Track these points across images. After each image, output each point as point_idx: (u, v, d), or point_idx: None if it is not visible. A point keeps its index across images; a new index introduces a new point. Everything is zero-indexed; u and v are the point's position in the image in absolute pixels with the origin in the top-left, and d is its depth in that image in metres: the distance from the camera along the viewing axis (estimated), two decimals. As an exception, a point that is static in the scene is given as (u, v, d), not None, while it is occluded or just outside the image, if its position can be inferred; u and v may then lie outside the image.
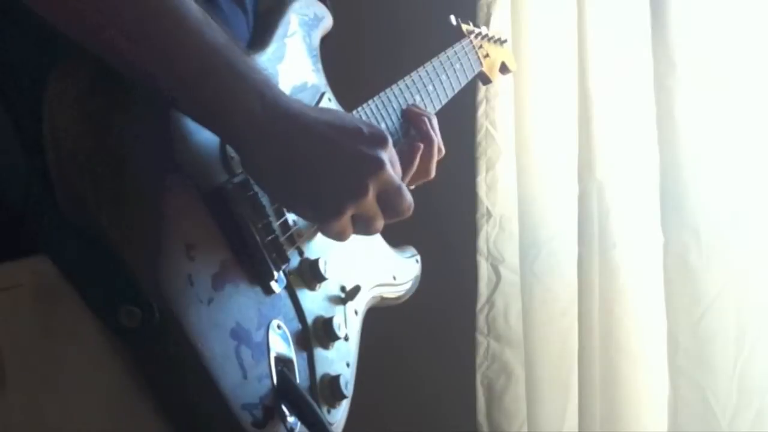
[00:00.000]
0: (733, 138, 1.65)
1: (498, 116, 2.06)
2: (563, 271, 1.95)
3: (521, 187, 2.02)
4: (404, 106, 1.23)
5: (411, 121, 1.24)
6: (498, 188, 2.05)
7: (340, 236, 0.91)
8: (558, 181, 1.98)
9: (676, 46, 1.69)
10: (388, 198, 0.91)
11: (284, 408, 0.86)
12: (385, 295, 1.12)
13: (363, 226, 0.91)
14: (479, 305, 2.04)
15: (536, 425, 1.96)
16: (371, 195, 0.89)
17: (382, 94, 1.22)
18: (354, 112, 1.14)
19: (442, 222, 2.11)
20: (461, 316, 2.06)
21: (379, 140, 0.90)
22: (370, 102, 1.18)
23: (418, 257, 1.22)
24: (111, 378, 0.81)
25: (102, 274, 0.79)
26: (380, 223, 0.92)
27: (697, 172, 1.67)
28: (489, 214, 2.05)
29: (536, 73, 2.00)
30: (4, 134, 0.83)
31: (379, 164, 0.89)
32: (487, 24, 2.01)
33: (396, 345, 2.10)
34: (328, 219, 0.89)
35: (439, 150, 1.26)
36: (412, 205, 0.93)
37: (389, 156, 0.91)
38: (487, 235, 2.05)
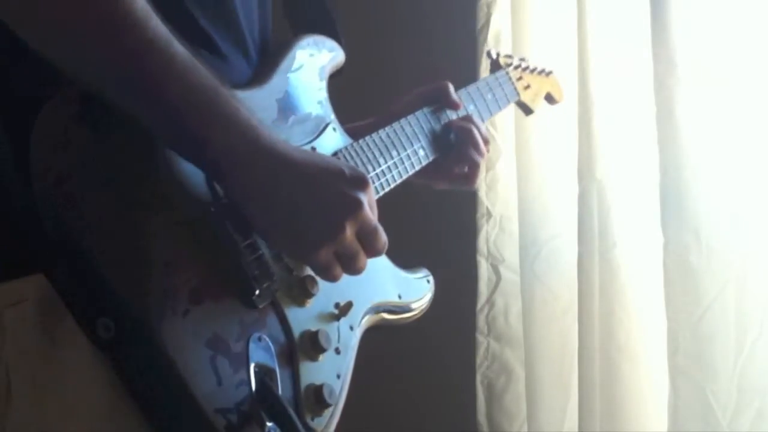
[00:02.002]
0: (734, 138, 1.66)
1: (498, 116, 2.04)
2: (563, 271, 1.95)
3: (521, 187, 2.02)
4: (421, 134, 1.26)
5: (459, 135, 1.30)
6: (498, 188, 2.05)
7: (325, 273, 0.95)
8: (558, 181, 1.98)
9: (676, 46, 1.69)
10: (365, 237, 0.95)
11: (263, 414, 0.89)
12: (388, 316, 1.13)
13: (345, 264, 0.95)
14: (479, 305, 2.04)
15: (536, 425, 1.97)
16: (349, 234, 0.93)
17: (403, 120, 1.24)
18: (365, 139, 1.16)
19: (442, 222, 2.11)
20: (461, 316, 2.06)
21: (359, 182, 0.94)
22: (387, 128, 1.20)
23: (431, 278, 1.23)
24: (106, 385, 0.84)
25: (82, 289, 0.83)
26: (363, 260, 0.96)
27: (697, 172, 1.67)
28: (489, 214, 2.05)
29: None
30: (8, 159, 0.87)
31: (357, 205, 0.93)
32: (487, 24, 2.01)
33: (396, 345, 2.09)
34: (305, 255, 0.94)
35: (486, 141, 1.34)
36: (387, 243, 0.97)
37: (368, 198, 0.94)
38: (487, 235, 2.05)
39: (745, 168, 1.65)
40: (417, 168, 1.24)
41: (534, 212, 2.02)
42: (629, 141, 1.83)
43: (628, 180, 1.82)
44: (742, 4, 1.67)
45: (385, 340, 1.88)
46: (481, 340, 2.04)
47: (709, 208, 1.66)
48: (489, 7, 2.03)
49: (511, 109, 2.02)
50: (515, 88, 1.49)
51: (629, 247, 1.80)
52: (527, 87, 1.52)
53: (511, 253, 2.03)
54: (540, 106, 1.57)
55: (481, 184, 2.05)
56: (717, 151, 1.66)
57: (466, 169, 1.33)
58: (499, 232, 2.04)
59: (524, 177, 2.02)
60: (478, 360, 2.03)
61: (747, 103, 1.65)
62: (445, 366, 2.11)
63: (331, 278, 0.95)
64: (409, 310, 1.18)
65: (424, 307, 1.20)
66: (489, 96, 1.41)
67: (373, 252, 0.97)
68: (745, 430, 1.61)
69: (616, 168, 1.83)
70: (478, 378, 2.03)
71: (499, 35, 2.01)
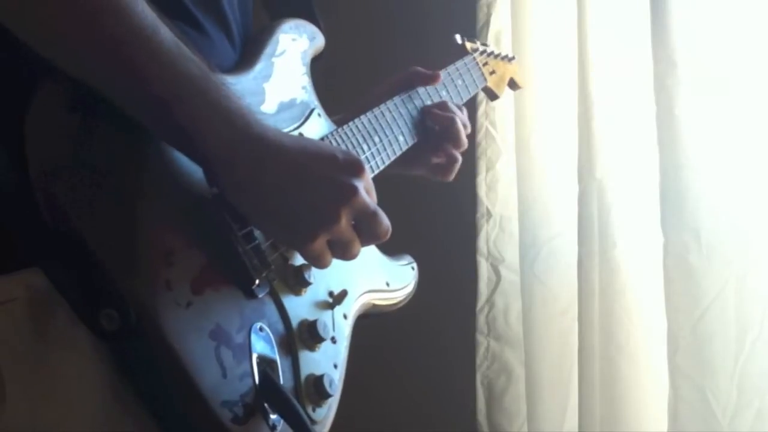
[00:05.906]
0: (734, 138, 1.65)
1: (498, 116, 2.06)
2: (563, 271, 1.95)
3: (521, 187, 2.02)
4: (399, 119, 1.26)
5: (436, 122, 1.30)
6: (498, 188, 2.05)
7: (317, 261, 0.93)
8: (558, 181, 1.98)
9: (676, 46, 1.69)
10: (365, 223, 0.93)
11: (267, 406, 0.88)
12: (378, 302, 1.13)
13: (339, 251, 0.94)
14: (479, 305, 2.04)
15: (536, 425, 1.97)
16: (344, 221, 0.91)
17: (382, 105, 1.24)
18: (349, 124, 1.16)
19: (442, 222, 2.11)
20: (461, 316, 2.06)
21: (353, 167, 0.93)
22: (368, 114, 1.20)
23: (414, 265, 1.23)
24: (105, 381, 0.84)
25: (84, 280, 0.82)
26: (357, 247, 0.94)
27: (697, 172, 1.67)
28: (489, 214, 2.05)
29: (536, 73, 2.00)
30: (2, 150, 0.85)
31: (352, 191, 0.91)
32: (487, 24, 2.02)
33: (396, 345, 2.10)
34: (300, 244, 0.92)
35: (465, 126, 1.31)
36: (390, 228, 0.95)
37: (364, 182, 0.93)
38: (487, 235, 2.05)
39: (745, 168, 1.65)
40: (398, 154, 1.24)
41: (534, 212, 2.02)
42: (629, 141, 1.83)
43: (628, 180, 1.82)
44: (742, 4, 1.66)
45: (385, 340, 1.89)
46: (481, 340, 2.04)
47: (709, 208, 1.66)
48: (489, 7, 2.03)
49: (511, 108, 2.03)
50: (482, 74, 1.49)
51: (629, 247, 1.80)
52: (492, 72, 1.52)
53: (511, 253, 2.03)
54: (504, 91, 1.57)
55: (481, 184, 2.06)
56: (717, 151, 1.66)
57: (444, 160, 1.31)
58: (499, 232, 2.04)
59: (524, 177, 2.02)
60: (478, 360, 2.03)
61: (747, 103, 1.65)
62: (445, 366, 2.11)
63: (322, 266, 0.94)
64: (396, 297, 1.18)
65: (409, 294, 1.20)
66: (459, 82, 1.40)
67: (373, 238, 0.95)
68: (745, 430, 1.61)
69: (616, 168, 1.83)
70: (478, 378, 2.03)
71: (499, 35, 2.02)
